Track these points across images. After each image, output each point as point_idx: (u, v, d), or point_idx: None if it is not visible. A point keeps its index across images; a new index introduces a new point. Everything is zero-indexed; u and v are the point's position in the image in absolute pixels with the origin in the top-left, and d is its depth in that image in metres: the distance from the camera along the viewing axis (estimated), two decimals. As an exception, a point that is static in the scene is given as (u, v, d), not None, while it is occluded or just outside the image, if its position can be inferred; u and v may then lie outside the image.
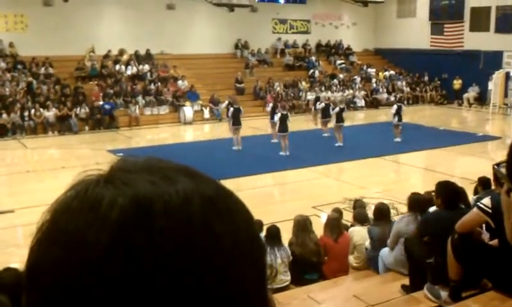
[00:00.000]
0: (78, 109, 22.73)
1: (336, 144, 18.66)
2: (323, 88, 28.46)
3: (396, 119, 19.42)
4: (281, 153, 17.23)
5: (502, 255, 4.43)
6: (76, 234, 0.56)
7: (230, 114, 18.64)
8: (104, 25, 26.79)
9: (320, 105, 20.80)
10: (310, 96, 26.98)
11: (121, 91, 24.68)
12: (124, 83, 25.20)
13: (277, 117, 17.81)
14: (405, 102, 29.51)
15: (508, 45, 27.65)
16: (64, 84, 24.00)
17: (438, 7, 31.84)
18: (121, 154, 16.65)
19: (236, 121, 18.17)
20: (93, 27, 26.28)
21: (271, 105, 20.71)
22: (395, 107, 19.87)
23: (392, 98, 27.21)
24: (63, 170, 15.38)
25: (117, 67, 26.11)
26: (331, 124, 19.59)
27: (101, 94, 23.83)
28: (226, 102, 20.43)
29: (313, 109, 23.53)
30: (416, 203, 6.60)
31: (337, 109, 19.41)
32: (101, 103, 23.31)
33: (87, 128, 22.63)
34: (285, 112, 17.98)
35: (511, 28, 27.99)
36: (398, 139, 19.28)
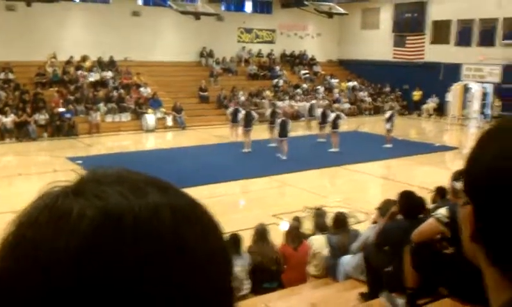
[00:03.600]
0: (37, 115, 22.25)
1: (331, 150, 19.12)
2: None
3: (389, 125, 20.13)
4: (279, 156, 17.76)
5: (457, 263, 4.52)
6: (44, 244, 0.55)
7: (239, 117, 19.51)
8: (68, 31, 26.38)
9: (317, 112, 21.69)
10: (301, 104, 27.94)
11: (83, 98, 24.27)
12: (86, 89, 24.80)
13: (277, 122, 18.35)
14: (366, 113, 30.08)
15: (467, 58, 28.43)
16: (24, 89, 23.47)
17: (400, 19, 32.46)
18: (80, 162, 16.36)
19: (248, 124, 19.03)
20: (56, 33, 25.85)
21: (269, 110, 21.11)
22: (388, 113, 20.73)
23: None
24: (19, 177, 14.88)
25: (79, 73, 25.69)
26: (327, 130, 20.25)
27: (61, 100, 23.38)
28: (232, 109, 21.42)
29: (306, 116, 24.93)
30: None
31: (333, 115, 19.81)
32: (61, 110, 22.87)
33: (46, 134, 22.09)
34: (285, 118, 18.54)
35: (471, 41, 28.80)
36: (388, 145, 19.96)
